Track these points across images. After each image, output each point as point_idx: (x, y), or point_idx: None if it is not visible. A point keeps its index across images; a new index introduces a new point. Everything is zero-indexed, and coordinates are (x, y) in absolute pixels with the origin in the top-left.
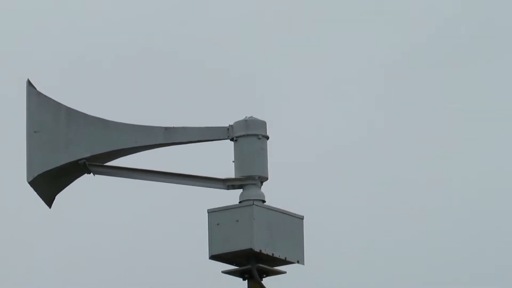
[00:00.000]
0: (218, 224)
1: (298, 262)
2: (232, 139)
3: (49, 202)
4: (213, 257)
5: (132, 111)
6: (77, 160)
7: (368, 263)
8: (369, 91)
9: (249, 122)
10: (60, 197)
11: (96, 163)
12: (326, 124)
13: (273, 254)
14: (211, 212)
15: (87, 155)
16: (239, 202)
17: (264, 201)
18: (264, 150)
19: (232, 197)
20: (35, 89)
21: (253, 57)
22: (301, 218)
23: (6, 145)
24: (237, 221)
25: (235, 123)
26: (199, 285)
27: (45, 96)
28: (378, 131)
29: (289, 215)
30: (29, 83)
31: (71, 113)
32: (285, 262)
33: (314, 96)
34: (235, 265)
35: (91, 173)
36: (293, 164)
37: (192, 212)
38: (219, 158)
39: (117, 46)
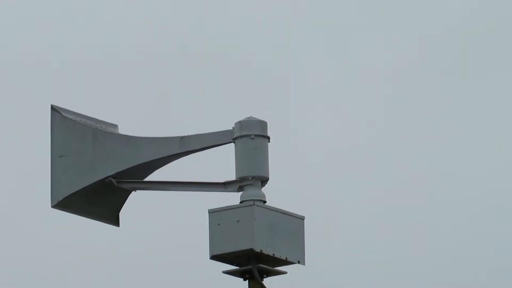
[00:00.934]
0: (219, 224)
1: (299, 262)
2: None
3: (112, 221)
4: (214, 257)
5: (134, 113)
6: (103, 179)
7: (368, 263)
8: (370, 93)
9: (242, 123)
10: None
11: (122, 179)
12: (327, 125)
13: (273, 254)
14: (212, 212)
15: (111, 173)
16: (240, 202)
17: (265, 202)
18: (258, 150)
19: (233, 197)
20: (60, 113)
21: (255, 58)
22: (302, 218)
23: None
24: (238, 221)
25: (235, 124)
26: (200, 285)
27: (70, 120)
28: (378, 132)
29: (290, 215)
30: (52, 109)
31: (97, 133)
32: (286, 262)
33: (315, 97)
34: (236, 265)
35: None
36: (294, 164)
37: (193, 212)
38: (229, 161)
39: (117, 46)
